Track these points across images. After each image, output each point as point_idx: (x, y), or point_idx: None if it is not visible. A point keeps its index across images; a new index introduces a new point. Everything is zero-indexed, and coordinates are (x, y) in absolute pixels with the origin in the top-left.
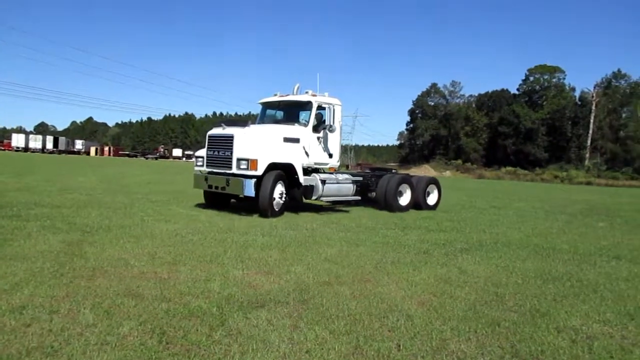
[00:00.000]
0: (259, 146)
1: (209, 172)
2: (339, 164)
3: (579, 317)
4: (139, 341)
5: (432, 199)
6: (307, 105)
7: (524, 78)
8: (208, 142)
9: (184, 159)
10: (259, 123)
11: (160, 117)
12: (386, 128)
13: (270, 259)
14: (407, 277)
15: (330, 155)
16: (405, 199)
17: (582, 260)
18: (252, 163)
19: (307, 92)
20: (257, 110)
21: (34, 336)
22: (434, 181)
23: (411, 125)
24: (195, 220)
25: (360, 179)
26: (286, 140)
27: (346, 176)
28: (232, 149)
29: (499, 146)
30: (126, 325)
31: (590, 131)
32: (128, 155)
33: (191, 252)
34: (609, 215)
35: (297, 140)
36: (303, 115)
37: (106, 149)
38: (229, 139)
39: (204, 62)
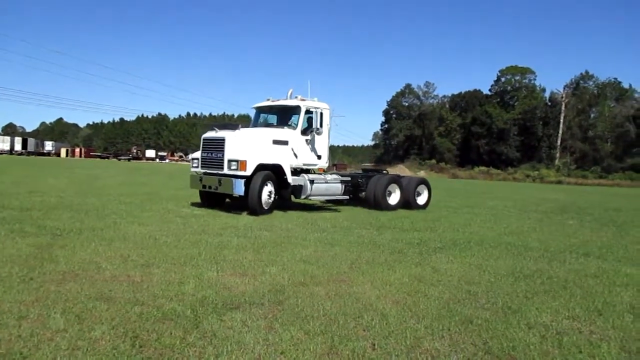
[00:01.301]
0: (248, 148)
1: (204, 173)
2: (327, 164)
3: (549, 313)
4: (111, 345)
5: (422, 199)
6: (296, 110)
7: (495, 79)
8: (202, 145)
9: (157, 160)
10: (252, 127)
11: (133, 118)
12: (361, 128)
13: (245, 260)
14: (381, 276)
15: (319, 157)
16: (394, 199)
17: (553, 258)
18: (241, 164)
19: (296, 97)
20: (231, 111)
21: (1, 342)
22: (424, 182)
23: (386, 126)
24: (169, 222)
25: (349, 179)
26: (275, 142)
27: (335, 176)
28: (223, 150)
29: (472, 146)
30: (98, 329)
31: (560, 131)
32: (100, 157)
33: (165, 254)
34: (578, 213)
35: (285, 143)
36: (293, 119)
37: (77, 150)
38: (221, 141)
39: (179, 63)
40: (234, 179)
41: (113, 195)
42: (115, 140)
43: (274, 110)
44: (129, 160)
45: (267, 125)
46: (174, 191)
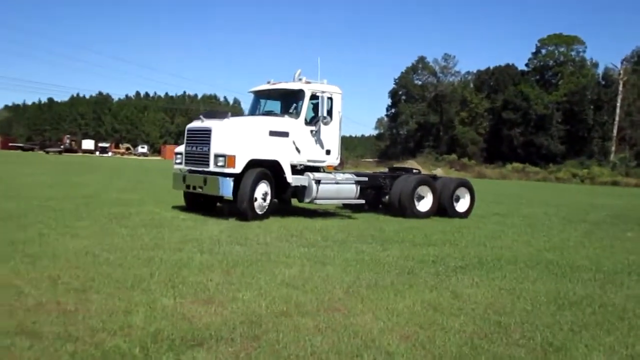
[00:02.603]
0: (238, 140)
1: (188, 171)
2: (339, 161)
3: (602, 351)
4: None
5: (462, 205)
6: (299, 94)
7: (534, 51)
8: (186, 137)
9: (97, 153)
10: (249, 115)
11: (66, 99)
12: (361, 114)
13: (210, 284)
14: (386, 304)
15: (328, 152)
16: (425, 204)
17: (607, 280)
18: (229, 159)
19: (300, 79)
20: (195, 90)
21: None
22: (465, 183)
23: (392, 111)
24: (112, 233)
25: (366, 179)
26: (272, 134)
27: (347, 176)
28: (209, 144)
29: (503, 137)
30: None
31: (617, 118)
32: (22, 149)
33: (106, 275)
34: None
35: (285, 134)
36: (295, 105)
37: None
38: (207, 132)
39: (129, 28)
40: (220, 178)
41: (39, 198)
42: (42, 127)
43: (275, 95)
44: (60, 153)
45: (266, 113)
46: (119, 194)
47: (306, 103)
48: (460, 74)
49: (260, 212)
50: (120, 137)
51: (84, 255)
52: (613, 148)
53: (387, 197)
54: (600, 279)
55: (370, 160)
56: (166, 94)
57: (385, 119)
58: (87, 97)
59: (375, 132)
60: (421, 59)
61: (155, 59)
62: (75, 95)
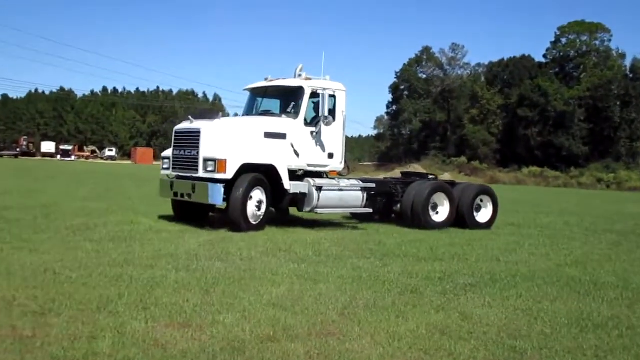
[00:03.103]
0: (230, 143)
1: (176, 177)
2: (343, 166)
3: None
4: None
5: (484, 215)
6: (298, 92)
7: (553, 40)
8: (174, 140)
9: (58, 156)
10: (245, 114)
11: (23, 95)
12: (358, 111)
13: (187, 305)
14: (387, 327)
15: (330, 155)
16: (441, 214)
17: (635, 299)
18: (219, 164)
19: (300, 76)
20: (170, 86)
21: None
22: (486, 191)
23: (394, 108)
24: (76, 248)
25: (373, 185)
26: (268, 135)
27: (352, 182)
28: (198, 147)
29: (519, 137)
30: None
31: None
32: None
33: (69, 296)
34: None
35: (282, 136)
36: (294, 104)
37: None
38: (196, 134)
39: (96, 19)
40: (210, 184)
41: None
42: None
43: (272, 93)
44: (15, 157)
45: (263, 113)
46: (84, 202)
47: (306, 102)
48: (470, 66)
49: (254, 222)
50: (84, 139)
51: (43, 273)
52: None
53: (398, 205)
54: (628, 298)
55: (369, 163)
56: (137, 89)
57: (386, 117)
58: (47, 93)
59: (374, 132)
60: (426, 50)
61: (124, 51)
62: (33, 91)
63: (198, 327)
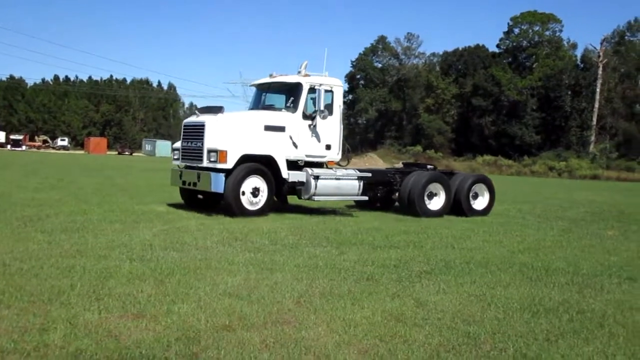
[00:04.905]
0: (231, 135)
1: (185, 167)
2: (340, 157)
3: None
4: None
5: (480, 203)
6: (297, 88)
7: (506, 30)
8: (183, 132)
9: (8, 146)
10: (251, 109)
11: None
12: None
13: (141, 295)
14: (343, 314)
15: (328, 147)
16: (437, 202)
17: (585, 284)
18: (220, 154)
19: (299, 72)
20: (124, 74)
21: None
22: (482, 179)
23: (350, 97)
24: (27, 239)
25: (369, 175)
26: (267, 128)
27: (349, 171)
28: (203, 139)
29: (473, 126)
30: None
31: (597, 105)
32: None
33: (19, 287)
34: (621, 220)
35: (281, 129)
36: (293, 99)
37: None
38: (201, 127)
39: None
40: (212, 173)
41: None
42: None
43: (275, 89)
44: None
45: (266, 107)
46: (35, 193)
47: (304, 97)
48: (425, 55)
49: (250, 208)
50: (36, 128)
51: None
52: (592, 138)
53: (397, 194)
54: (578, 283)
55: None
56: (90, 78)
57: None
58: None
59: None
60: (381, 39)
61: (76, 38)
62: None
63: (152, 317)
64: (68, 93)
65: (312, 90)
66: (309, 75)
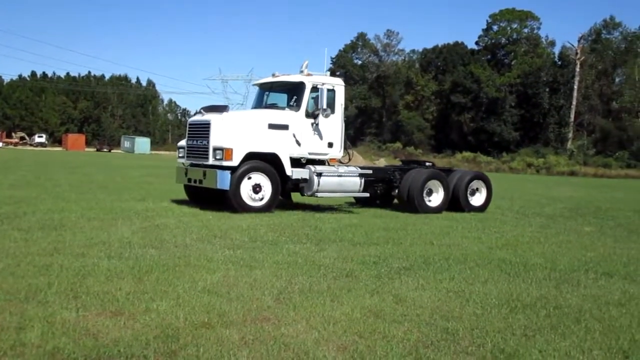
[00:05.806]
0: (236, 134)
1: (190, 165)
2: (342, 154)
3: (558, 357)
4: None
5: (478, 199)
6: (299, 87)
7: (485, 28)
8: (188, 131)
9: None
10: (254, 108)
11: None
12: None
13: (119, 293)
14: (322, 311)
15: (330, 145)
16: (435, 199)
17: (562, 280)
18: (226, 152)
19: (301, 72)
20: (102, 70)
21: None
22: (480, 176)
23: None
24: (2, 236)
25: (370, 172)
26: (271, 127)
27: (351, 169)
28: (208, 137)
29: (452, 123)
30: None
31: (574, 102)
32: None
33: None
34: (598, 216)
35: (285, 127)
36: (296, 98)
37: None
38: (206, 126)
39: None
40: (218, 171)
41: None
42: None
43: (278, 88)
44: None
45: (269, 106)
46: (11, 190)
47: (306, 95)
48: (404, 52)
49: (253, 204)
50: (12, 125)
51: None
52: (570, 135)
53: (397, 191)
54: (555, 278)
55: None
56: (67, 74)
57: None
58: None
59: None
60: (361, 36)
61: (54, 34)
62: None
63: (131, 315)
64: (45, 89)
65: (314, 89)
66: (311, 75)
